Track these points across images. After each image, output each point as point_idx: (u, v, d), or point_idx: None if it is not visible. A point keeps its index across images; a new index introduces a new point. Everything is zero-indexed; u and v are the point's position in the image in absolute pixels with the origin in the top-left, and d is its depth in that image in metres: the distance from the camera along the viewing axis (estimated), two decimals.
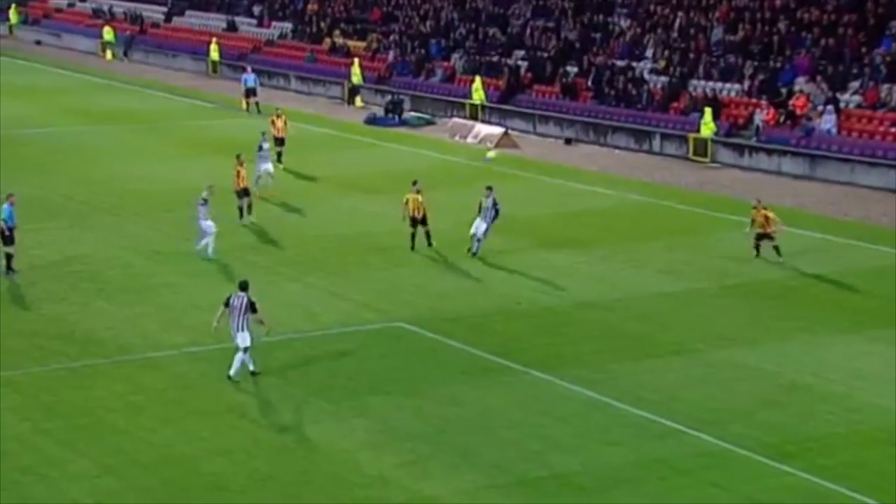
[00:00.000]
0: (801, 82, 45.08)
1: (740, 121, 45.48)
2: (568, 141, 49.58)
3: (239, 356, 23.28)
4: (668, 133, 46.70)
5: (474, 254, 31.13)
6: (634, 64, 51.10)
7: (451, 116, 53.60)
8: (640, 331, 26.50)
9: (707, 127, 44.88)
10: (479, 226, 31.28)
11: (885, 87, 42.94)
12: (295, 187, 40.04)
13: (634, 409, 22.08)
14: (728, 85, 47.57)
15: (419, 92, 57.02)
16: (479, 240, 31.34)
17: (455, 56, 58.37)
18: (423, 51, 59.93)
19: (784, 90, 45.22)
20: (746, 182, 41.56)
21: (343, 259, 31.95)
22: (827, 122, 42.62)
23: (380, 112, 55.23)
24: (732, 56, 48.48)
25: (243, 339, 23.19)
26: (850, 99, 43.80)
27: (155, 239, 33.73)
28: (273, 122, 43.62)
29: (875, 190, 39.76)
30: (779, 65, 46.70)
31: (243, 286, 23.48)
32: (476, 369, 24.27)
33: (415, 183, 32.44)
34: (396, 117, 54.26)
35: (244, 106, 55.63)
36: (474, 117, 52.89)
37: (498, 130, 49.71)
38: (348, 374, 24.01)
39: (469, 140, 49.93)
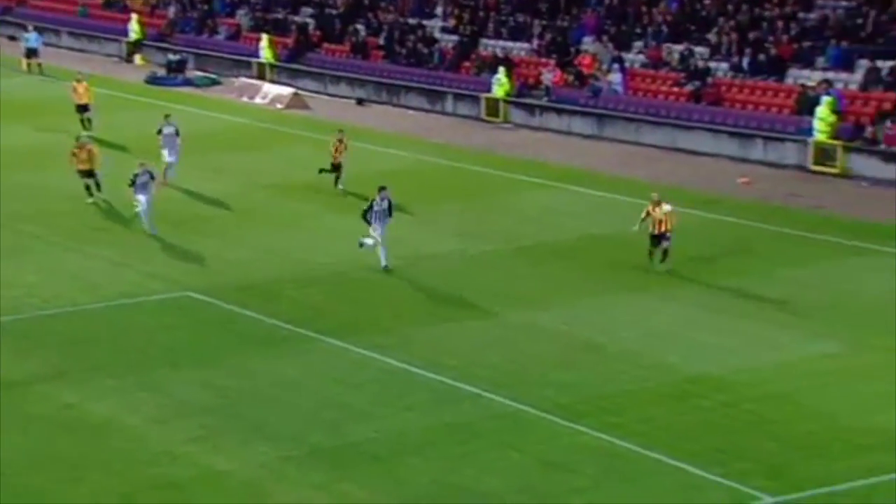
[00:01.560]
0: (587, 42, 45.52)
1: (530, 80, 45.66)
2: (360, 101, 48.99)
3: None
4: (461, 93, 46.58)
5: (385, 266, 27.55)
6: (425, 22, 50.79)
7: (238, 76, 52.35)
8: (437, 294, 26.31)
9: (502, 87, 44.85)
10: (379, 232, 27.54)
11: (666, 46, 43.67)
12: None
13: (431, 373, 21.92)
14: (518, 44, 47.70)
15: (204, 50, 55.54)
16: (384, 247, 27.53)
17: (240, 13, 57.00)
18: (206, 7, 58.28)
19: (573, 49, 45.61)
20: (538, 142, 41.83)
21: (127, 227, 30.74)
22: (614, 81, 43.14)
23: (161, 71, 53.54)
24: (521, 15, 48.62)
25: None
26: (634, 58, 44.43)
27: None
28: (74, 89, 41.64)
29: (659, 149, 40.47)
30: (566, 24, 47.06)
31: None
32: (270, 339, 23.73)
33: (340, 131, 34.68)
34: (180, 77, 52.69)
35: (25, 66, 53.27)
36: (262, 77, 51.81)
37: (287, 91, 48.79)
38: (134, 348, 23.14)
39: (257, 100, 48.88)
